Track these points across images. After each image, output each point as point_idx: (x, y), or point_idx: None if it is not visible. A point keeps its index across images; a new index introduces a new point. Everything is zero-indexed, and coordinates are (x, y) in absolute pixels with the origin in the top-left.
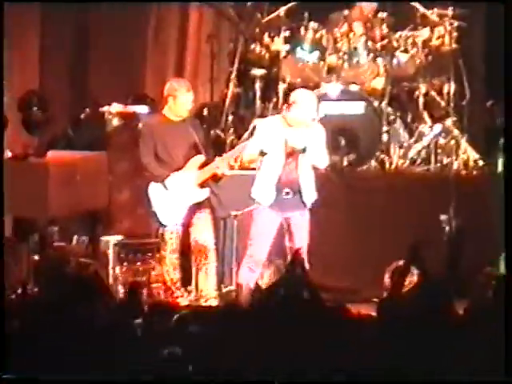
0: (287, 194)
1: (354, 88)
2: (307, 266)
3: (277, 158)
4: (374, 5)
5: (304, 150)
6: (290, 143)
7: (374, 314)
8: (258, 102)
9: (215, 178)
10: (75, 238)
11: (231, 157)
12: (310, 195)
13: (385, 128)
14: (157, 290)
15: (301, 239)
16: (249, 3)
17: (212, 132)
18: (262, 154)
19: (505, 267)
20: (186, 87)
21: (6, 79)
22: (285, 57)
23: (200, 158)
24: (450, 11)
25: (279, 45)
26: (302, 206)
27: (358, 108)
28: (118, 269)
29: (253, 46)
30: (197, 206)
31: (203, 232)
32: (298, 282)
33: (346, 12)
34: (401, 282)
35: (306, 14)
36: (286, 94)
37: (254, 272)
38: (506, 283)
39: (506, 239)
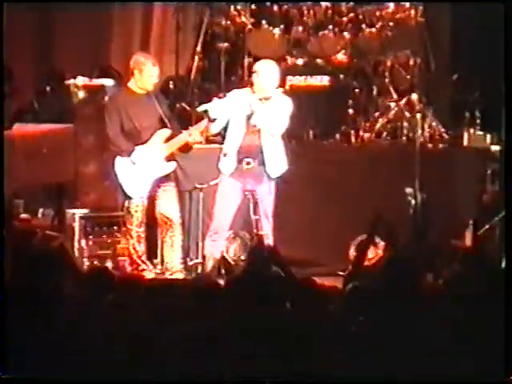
0: (248, 163)
1: (319, 61)
2: (271, 243)
3: (239, 129)
4: None
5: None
6: (255, 114)
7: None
8: (223, 75)
9: (186, 148)
10: (41, 210)
11: (204, 125)
12: (276, 166)
13: (350, 101)
14: (122, 263)
15: (265, 211)
16: None
17: (178, 105)
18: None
19: (505, 265)
20: (152, 61)
21: None
22: (250, 30)
23: (165, 132)
24: None
25: (245, 18)
26: (266, 176)
27: (323, 81)
28: (83, 242)
29: (219, 19)
30: (162, 179)
31: (168, 205)
32: (264, 259)
33: None
34: (363, 255)
35: None
36: (251, 68)
37: (216, 241)
38: (505, 282)
39: (506, 239)
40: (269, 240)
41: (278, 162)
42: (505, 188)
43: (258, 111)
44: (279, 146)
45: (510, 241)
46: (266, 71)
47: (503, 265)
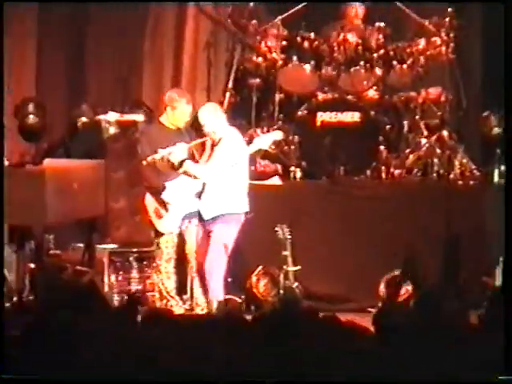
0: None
1: (350, 97)
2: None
3: None
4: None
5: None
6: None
7: (369, 324)
8: (254, 111)
9: None
10: (71, 245)
11: None
12: (211, 209)
13: (381, 138)
14: (152, 299)
15: (211, 250)
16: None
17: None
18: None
19: (503, 271)
20: (186, 99)
21: (3, 86)
22: (281, 66)
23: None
24: (446, 21)
25: (276, 54)
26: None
27: (354, 117)
28: (113, 277)
29: (250, 55)
30: (192, 215)
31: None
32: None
33: (342, 22)
34: (396, 292)
35: (303, 24)
36: (282, 104)
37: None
38: (504, 286)
39: (506, 245)
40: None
41: (213, 205)
42: None
43: (210, 157)
44: (223, 189)
45: None
46: (206, 115)
47: None
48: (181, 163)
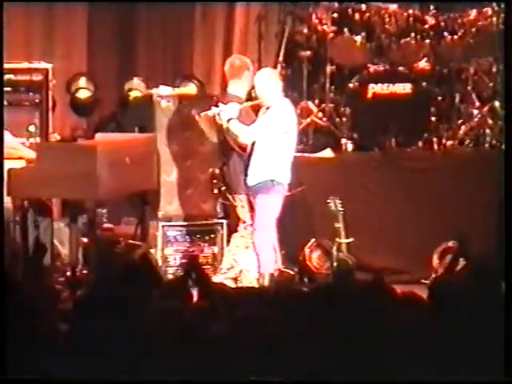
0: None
1: (401, 69)
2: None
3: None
4: None
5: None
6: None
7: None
8: (306, 83)
9: None
10: (124, 219)
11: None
12: (256, 175)
13: (433, 109)
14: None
15: (257, 223)
16: None
17: None
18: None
19: (504, 266)
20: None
21: (54, 62)
22: (332, 38)
23: None
24: None
25: (326, 26)
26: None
27: (405, 89)
28: (166, 251)
29: (300, 28)
30: None
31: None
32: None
33: None
34: (453, 265)
35: None
36: (333, 76)
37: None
38: (505, 283)
39: (506, 239)
40: (261, 249)
41: (258, 170)
42: None
43: (257, 122)
44: (269, 155)
45: None
46: (261, 81)
47: None
48: (228, 121)
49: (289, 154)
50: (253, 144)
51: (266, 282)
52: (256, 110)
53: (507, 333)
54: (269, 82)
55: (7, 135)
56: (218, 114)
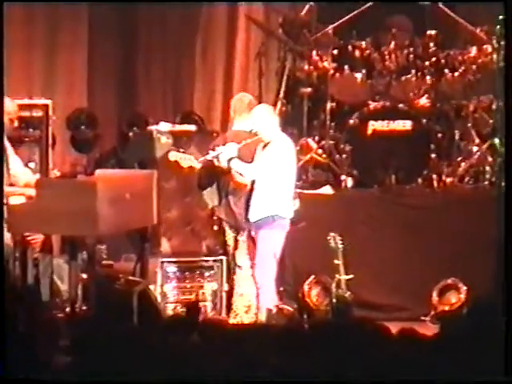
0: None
1: (401, 106)
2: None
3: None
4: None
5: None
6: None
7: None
8: (306, 120)
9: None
10: (123, 256)
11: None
12: (257, 211)
13: (432, 146)
14: (205, 308)
15: (258, 258)
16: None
17: None
18: None
19: (504, 269)
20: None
21: (54, 98)
22: (333, 75)
23: None
24: (497, 29)
25: (327, 63)
26: (249, 221)
27: (405, 126)
28: (166, 287)
29: (301, 65)
30: None
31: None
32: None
33: (393, 30)
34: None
35: (354, 32)
36: (333, 113)
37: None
38: (506, 284)
39: (505, 244)
40: (263, 284)
41: (259, 206)
42: None
43: (257, 158)
44: (271, 191)
45: None
46: (259, 115)
47: None
48: (229, 162)
49: (290, 189)
50: (253, 180)
51: (264, 318)
52: (254, 145)
53: (507, 333)
54: (266, 118)
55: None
56: (217, 157)
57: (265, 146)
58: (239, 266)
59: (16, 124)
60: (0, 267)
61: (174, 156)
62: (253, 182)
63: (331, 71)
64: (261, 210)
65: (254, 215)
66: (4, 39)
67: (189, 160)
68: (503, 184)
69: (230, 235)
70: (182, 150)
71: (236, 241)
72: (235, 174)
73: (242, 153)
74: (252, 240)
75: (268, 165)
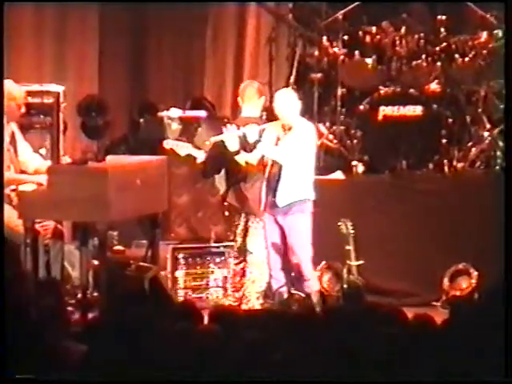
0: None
1: (412, 91)
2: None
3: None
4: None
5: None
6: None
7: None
8: (317, 106)
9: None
10: (134, 242)
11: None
12: (287, 196)
13: (443, 131)
14: (216, 294)
15: (296, 242)
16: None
17: None
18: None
19: (504, 269)
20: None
21: (65, 85)
22: (343, 60)
23: None
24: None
25: (337, 49)
26: (294, 207)
27: (416, 111)
28: (177, 273)
29: (311, 50)
30: None
31: None
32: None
33: (404, 15)
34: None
35: (365, 18)
36: (344, 98)
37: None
38: (506, 284)
39: (505, 242)
40: (306, 269)
41: (289, 191)
42: None
43: (280, 142)
44: (298, 175)
45: None
46: (282, 100)
47: None
48: (255, 143)
49: (311, 172)
50: (272, 164)
51: (276, 304)
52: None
53: (507, 333)
54: (289, 103)
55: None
56: (244, 136)
57: (288, 129)
58: (251, 252)
59: (23, 110)
60: (0, 267)
61: (169, 144)
62: (272, 167)
63: (341, 57)
64: (290, 194)
65: (283, 200)
66: (14, 27)
67: (186, 148)
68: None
69: (241, 221)
70: (178, 138)
71: (247, 227)
72: (250, 159)
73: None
74: (278, 225)
75: (294, 149)
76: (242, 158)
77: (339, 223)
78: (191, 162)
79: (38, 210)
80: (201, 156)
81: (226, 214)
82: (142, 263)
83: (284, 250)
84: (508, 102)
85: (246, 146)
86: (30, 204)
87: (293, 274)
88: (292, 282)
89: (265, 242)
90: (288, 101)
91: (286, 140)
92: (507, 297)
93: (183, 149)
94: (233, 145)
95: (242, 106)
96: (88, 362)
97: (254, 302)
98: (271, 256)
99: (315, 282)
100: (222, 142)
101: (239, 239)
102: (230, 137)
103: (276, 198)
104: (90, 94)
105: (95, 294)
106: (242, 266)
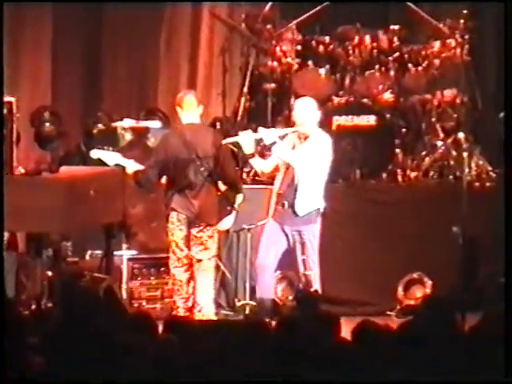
0: (283, 205)
1: (365, 101)
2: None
3: (281, 168)
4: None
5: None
6: (292, 153)
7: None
8: (270, 115)
9: None
10: (89, 253)
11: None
12: (304, 205)
13: (397, 141)
14: (170, 305)
15: (311, 253)
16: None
17: None
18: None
19: (504, 270)
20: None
21: (18, 95)
22: (296, 70)
23: None
24: (461, 23)
25: (291, 58)
26: (312, 217)
27: (369, 121)
28: (131, 284)
29: (264, 60)
30: None
31: None
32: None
33: (357, 25)
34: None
35: (318, 28)
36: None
37: (257, 281)
38: (505, 285)
39: (506, 244)
40: (315, 280)
41: (307, 200)
42: None
43: (296, 150)
44: (314, 185)
45: None
46: (302, 108)
47: None
48: (271, 145)
49: (323, 183)
50: (285, 172)
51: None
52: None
53: (507, 333)
54: (309, 112)
55: None
56: (262, 139)
57: (304, 139)
58: (199, 260)
59: None
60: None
61: (96, 154)
62: (285, 174)
63: (295, 66)
64: (308, 203)
65: (303, 209)
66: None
67: (114, 158)
68: (468, 179)
69: (183, 228)
70: (106, 148)
71: (189, 234)
72: (255, 164)
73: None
74: (284, 233)
75: (309, 157)
76: (256, 164)
77: (293, 233)
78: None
79: None
80: (130, 166)
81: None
82: (96, 274)
83: (285, 258)
84: (507, 103)
85: (263, 150)
86: None
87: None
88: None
89: (261, 248)
90: (308, 109)
91: (301, 148)
92: (507, 297)
93: (111, 159)
94: (248, 147)
95: (182, 113)
96: (44, 373)
97: (206, 311)
98: (265, 263)
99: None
100: (238, 143)
101: (183, 246)
102: (246, 139)
103: (295, 207)
104: (43, 105)
105: (49, 304)
106: (188, 274)
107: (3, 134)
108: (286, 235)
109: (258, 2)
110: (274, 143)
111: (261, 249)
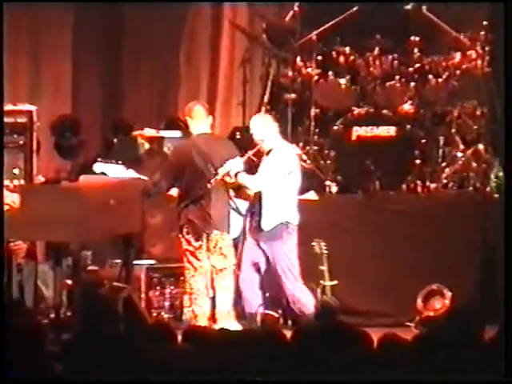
0: (252, 221)
1: (386, 112)
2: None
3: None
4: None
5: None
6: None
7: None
8: (290, 126)
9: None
10: (108, 262)
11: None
12: (270, 220)
13: (417, 152)
14: (189, 314)
15: (282, 266)
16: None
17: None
18: None
19: (504, 270)
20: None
21: (38, 104)
22: (317, 81)
23: None
24: (482, 35)
25: (311, 69)
26: (281, 233)
27: (389, 132)
28: (150, 293)
29: (285, 71)
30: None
31: None
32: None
33: (377, 36)
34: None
35: (338, 39)
36: (317, 119)
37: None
38: (505, 285)
39: (505, 243)
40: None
41: (271, 214)
42: None
43: (260, 166)
44: (278, 198)
45: None
46: (257, 126)
47: None
48: (236, 176)
49: (294, 195)
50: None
51: (248, 324)
52: (259, 156)
53: (507, 333)
54: (264, 127)
55: None
56: (228, 174)
57: (267, 154)
58: (220, 270)
59: None
60: (0, 270)
61: (99, 167)
62: (258, 192)
63: (315, 77)
64: (273, 218)
65: (267, 224)
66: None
67: (117, 171)
68: (487, 189)
69: (203, 239)
70: (109, 161)
71: (208, 244)
72: (243, 185)
73: (247, 165)
74: (261, 249)
75: (271, 172)
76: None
77: (313, 243)
78: None
79: (11, 229)
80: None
81: (185, 231)
82: (115, 283)
83: (266, 273)
84: (507, 107)
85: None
86: (3, 224)
87: (267, 295)
88: (266, 303)
89: (243, 264)
90: (263, 125)
91: (263, 164)
92: (507, 296)
93: (114, 172)
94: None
95: (192, 124)
96: (63, 381)
97: (223, 322)
98: (249, 278)
99: (310, 301)
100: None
101: (200, 256)
102: (232, 167)
103: (261, 222)
104: (63, 114)
105: (69, 313)
106: (206, 283)
107: (3, 141)
108: (263, 250)
109: (282, 1)
110: (238, 173)
111: (243, 265)
